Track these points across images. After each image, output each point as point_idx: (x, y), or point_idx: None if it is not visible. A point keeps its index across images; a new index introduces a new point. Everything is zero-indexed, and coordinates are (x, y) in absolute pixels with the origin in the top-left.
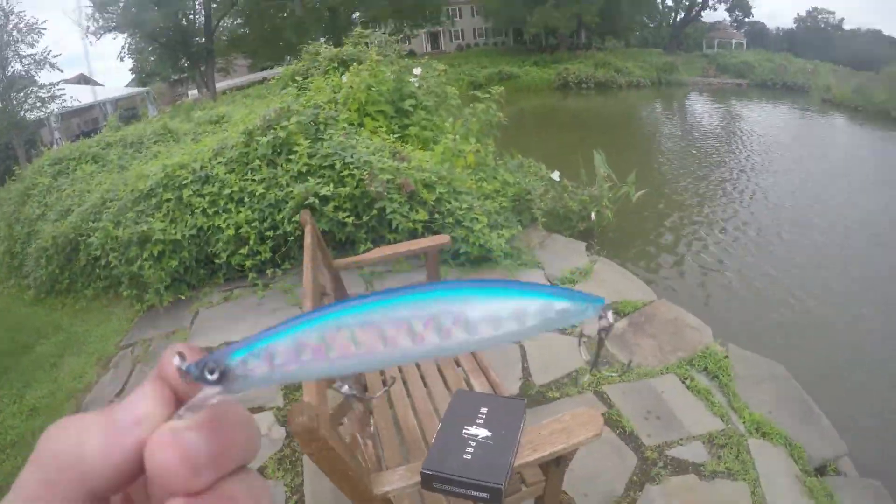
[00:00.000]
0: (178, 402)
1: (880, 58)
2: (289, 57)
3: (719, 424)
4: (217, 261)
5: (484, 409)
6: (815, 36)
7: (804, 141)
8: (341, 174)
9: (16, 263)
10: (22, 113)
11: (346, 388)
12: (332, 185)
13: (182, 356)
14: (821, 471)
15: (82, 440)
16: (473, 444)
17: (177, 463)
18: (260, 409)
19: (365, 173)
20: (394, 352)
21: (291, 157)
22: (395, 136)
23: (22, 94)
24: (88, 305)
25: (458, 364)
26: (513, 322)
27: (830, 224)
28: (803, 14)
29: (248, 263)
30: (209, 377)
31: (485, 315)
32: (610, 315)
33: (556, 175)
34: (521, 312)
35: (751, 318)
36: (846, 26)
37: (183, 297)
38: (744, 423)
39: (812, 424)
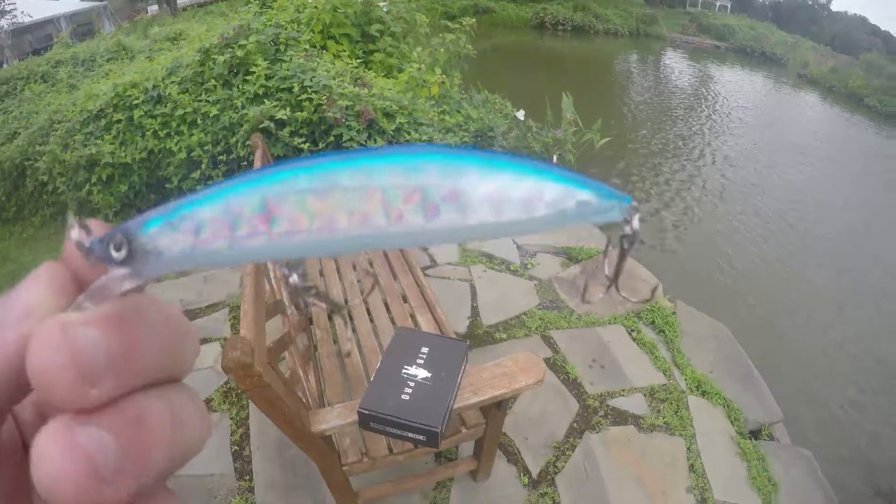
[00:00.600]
0: (81, 290)
1: (861, 43)
2: None
3: (661, 379)
4: (168, 186)
5: (425, 350)
6: (800, 11)
7: (770, 111)
8: (299, 98)
9: None
10: None
11: (294, 278)
12: (288, 108)
13: (86, 229)
14: (755, 434)
15: None
16: (413, 384)
17: (64, 366)
18: (207, 341)
19: (324, 98)
20: (360, 231)
21: (248, 77)
22: (359, 61)
23: None
24: (36, 234)
25: (405, 299)
26: (519, 208)
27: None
28: None
29: (200, 188)
30: (115, 255)
31: (487, 194)
32: (636, 220)
33: (521, 114)
34: (533, 197)
35: (700, 276)
36: (833, 7)
37: None
38: (685, 379)
39: (751, 388)
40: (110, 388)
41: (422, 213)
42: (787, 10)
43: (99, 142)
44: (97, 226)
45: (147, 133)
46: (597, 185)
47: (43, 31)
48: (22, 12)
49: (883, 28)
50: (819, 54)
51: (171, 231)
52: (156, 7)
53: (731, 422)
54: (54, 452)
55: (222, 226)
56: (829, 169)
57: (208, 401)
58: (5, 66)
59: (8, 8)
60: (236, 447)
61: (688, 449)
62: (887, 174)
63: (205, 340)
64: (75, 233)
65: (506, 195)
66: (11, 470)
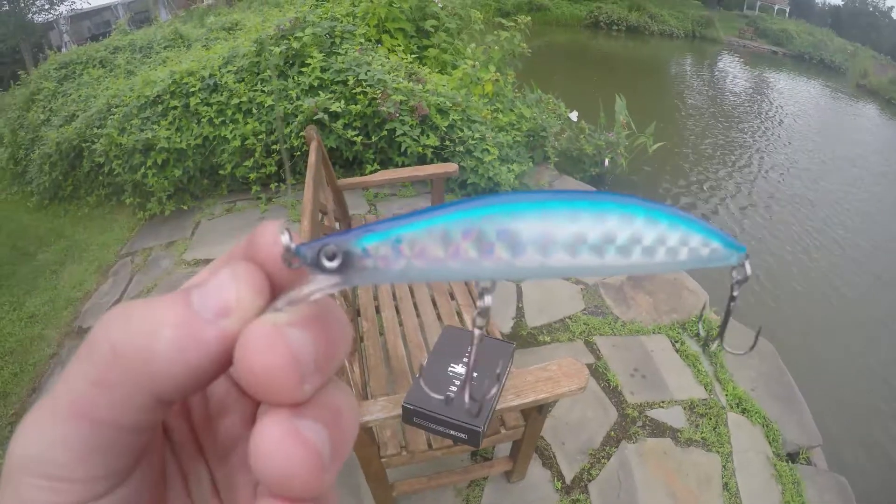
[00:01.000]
0: (273, 292)
1: None
2: None
3: (702, 393)
4: (221, 172)
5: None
6: (860, 18)
7: (825, 121)
8: (353, 91)
9: (19, 170)
10: (30, 15)
11: (486, 300)
12: (343, 101)
13: (290, 234)
14: (792, 457)
15: (151, 332)
16: (457, 382)
17: (283, 367)
18: None
19: (378, 92)
20: (541, 263)
21: (304, 69)
22: (413, 56)
23: None
24: (91, 213)
25: (452, 297)
26: (666, 253)
27: (830, 207)
28: None
29: (252, 176)
30: (328, 264)
31: (650, 242)
32: (748, 266)
33: (574, 115)
34: (680, 244)
35: (748, 291)
36: (894, 15)
37: (185, 208)
38: (726, 395)
39: (792, 409)
40: (315, 384)
41: (593, 253)
42: (847, 16)
43: (155, 127)
44: (292, 232)
45: (203, 120)
46: (719, 233)
47: (101, 18)
48: None
49: None
50: (879, 63)
51: (389, 249)
52: None
53: (770, 442)
54: (286, 447)
55: (433, 248)
56: (883, 185)
57: None
58: (64, 50)
59: None
60: None
61: (723, 466)
62: None
63: None
64: (286, 238)
65: (663, 242)
66: (159, 455)
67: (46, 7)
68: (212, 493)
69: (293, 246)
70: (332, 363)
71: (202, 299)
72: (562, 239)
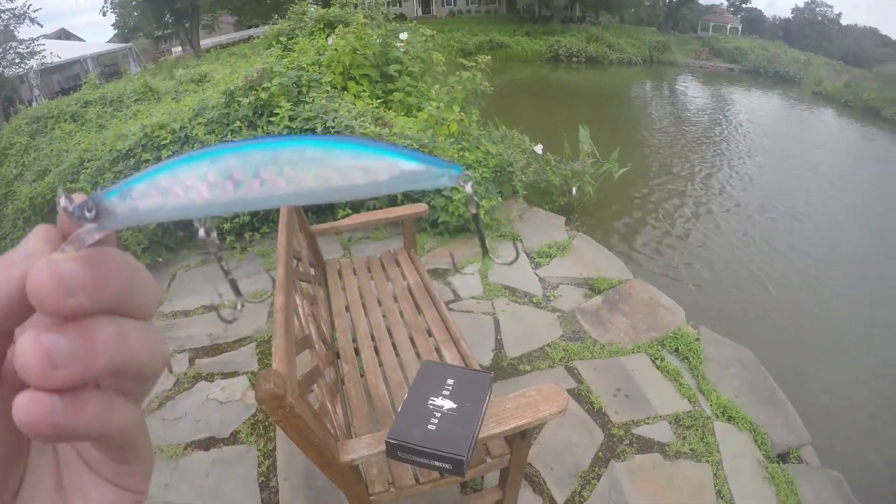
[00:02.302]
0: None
1: (874, 56)
2: (275, 15)
3: (686, 406)
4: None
5: (450, 381)
6: (811, 28)
7: (785, 130)
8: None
9: None
10: (0, 69)
11: (202, 232)
12: None
13: (70, 199)
14: (783, 458)
15: None
16: (438, 415)
17: (49, 282)
18: (235, 374)
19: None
20: (247, 196)
21: (273, 119)
22: (379, 101)
23: (0, 49)
24: None
25: (429, 333)
26: (362, 176)
27: (805, 213)
28: (801, 5)
29: (226, 226)
30: (87, 214)
31: (343, 166)
32: (469, 186)
33: (539, 148)
34: (377, 167)
35: (723, 301)
36: (843, 21)
37: (160, 260)
38: (710, 405)
39: (777, 411)
40: (83, 301)
41: (289, 182)
42: (798, 27)
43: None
44: (78, 197)
45: None
46: (431, 158)
47: (71, 71)
48: (51, 53)
49: (894, 37)
50: (833, 70)
51: (121, 197)
52: (179, 49)
53: (759, 446)
54: (25, 345)
55: (156, 194)
56: (848, 187)
57: (236, 433)
58: (35, 104)
59: (38, 49)
60: (263, 478)
61: (714, 475)
62: None
63: (232, 374)
64: (63, 201)
65: (356, 166)
66: (12, 386)
67: (17, 61)
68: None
69: (70, 206)
70: (99, 290)
71: (15, 251)
72: (266, 171)
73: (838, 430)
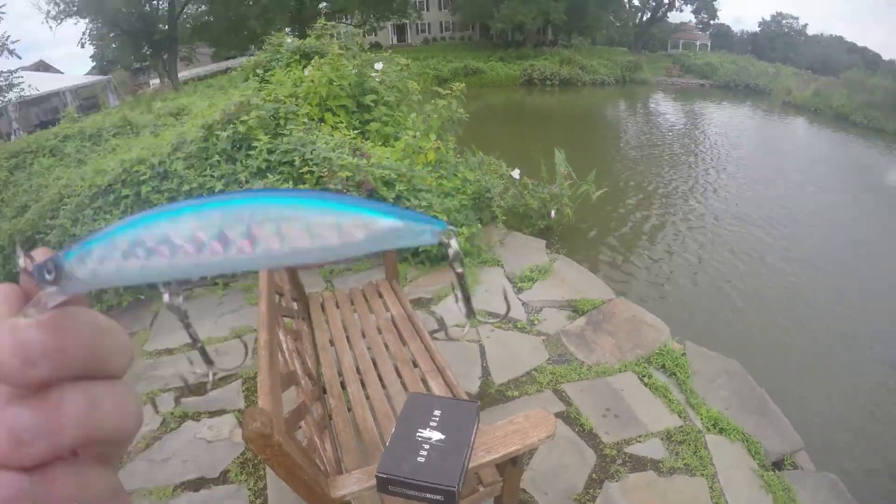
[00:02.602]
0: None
1: (841, 63)
2: (252, 47)
3: (677, 421)
4: None
5: (437, 412)
6: (778, 40)
7: (758, 141)
8: (301, 171)
9: None
10: None
11: (166, 297)
12: (291, 181)
13: (31, 258)
14: (778, 465)
15: None
16: (427, 446)
17: (13, 353)
18: (222, 412)
19: (325, 170)
20: (211, 259)
21: (251, 152)
22: (356, 131)
23: None
24: None
25: (415, 364)
26: (335, 236)
27: (786, 222)
28: (768, 18)
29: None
30: (47, 276)
31: (313, 226)
32: (454, 242)
33: (516, 173)
34: (352, 226)
35: (706, 314)
36: (810, 31)
37: (143, 297)
38: (701, 419)
39: (768, 420)
40: (47, 370)
41: (253, 245)
42: (766, 39)
43: (108, 216)
44: (41, 254)
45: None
46: (412, 214)
47: (49, 104)
48: (29, 86)
49: (860, 44)
50: (801, 79)
51: (80, 261)
52: (157, 80)
53: (752, 455)
54: None
55: (115, 256)
56: (825, 192)
57: (225, 472)
58: (14, 137)
59: (16, 81)
60: None
61: (710, 487)
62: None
63: (219, 412)
64: (22, 261)
65: (327, 224)
66: None
67: None
68: None
69: (29, 267)
70: (63, 357)
71: None
72: (230, 232)
73: (830, 434)
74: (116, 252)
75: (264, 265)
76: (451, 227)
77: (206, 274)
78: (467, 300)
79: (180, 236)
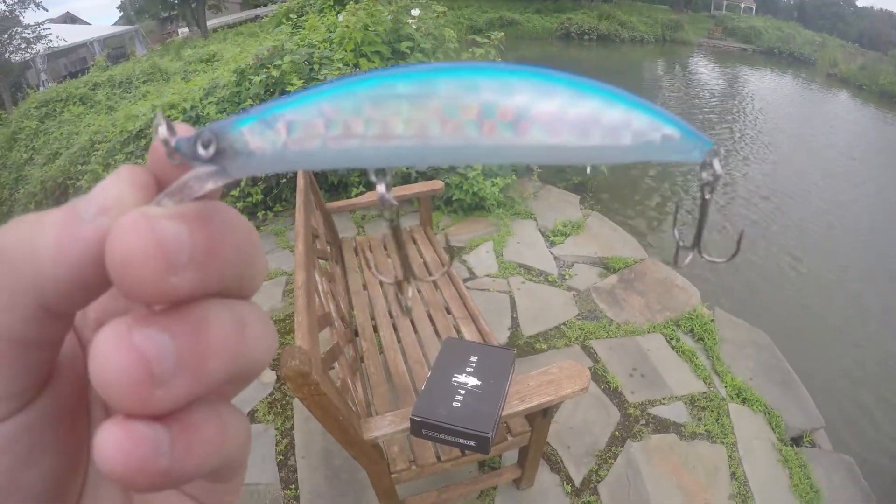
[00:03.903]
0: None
1: (890, 39)
2: None
3: (702, 387)
4: None
5: (474, 358)
6: (826, 9)
7: (800, 112)
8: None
9: (4, 210)
10: (7, 55)
11: (381, 188)
12: None
13: (171, 128)
14: (797, 441)
15: (35, 232)
16: (463, 392)
17: (150, 253)
18: None
19: None
20: (451, 140)
21: None
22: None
23: (6, 35)
24: None
25: (448, 311)
26: (606, 135)
27: (822, 194)
28: None
29: (239, 206)
30: (202, 152)
31: (578, 118)
32: (717, 163)
33: None
34: (620, 125)
35: (738, 282)
36: (859, 3)
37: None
38: (725, 387)
39: (792, 394)
40: (188, 279)
41: (512, 129)
42: (813, 8)
43: (140, 161)
44: (183, 129)
45: None
46: (681, 122)
47: (77, 55)
48: (57, 37)
49: None
50: (847, 52)
51: (264, 130)
52: (186, 29)
53: (773, 429)
54: (109, 350)
55: (317, 126)
56: (864, 170)
57: (253, 412)
58: (42, 88)
59: (43, 33)
60: (281, 457)
61: (729, 456)
62: None
63: None
64: (162, 129)
65: (595, 120)
66: (71, 385)
67: (23, 47)
68: None
69: (172, 139)
70: (213, 264)
71: (86, 201)
72: (466, 112)
73: (851, 416)
74: (321, 119)
75: (505, 157)
76: (717, 147)
77: (434, 162)
78: (700, 231)
79: (423, 108)
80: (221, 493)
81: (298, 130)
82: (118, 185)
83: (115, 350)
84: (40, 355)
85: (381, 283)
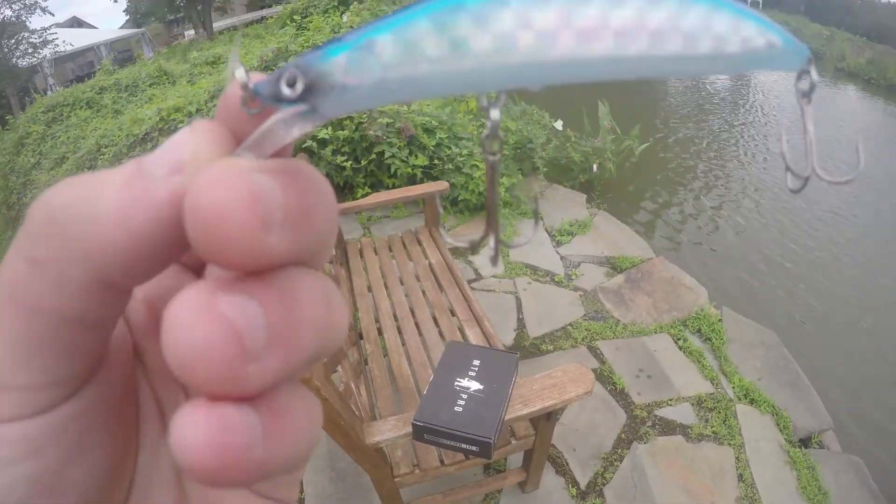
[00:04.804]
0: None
1: None
2: None
3: (709, 388)
4: None
5: (476, 362)
6: (834, 2)
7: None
8: (340, 117)
9: (12, 214)
10: (14, 60)
11: (495, 113)
12: (330, 127)
13: (247, 73)
14: (805, 442)
15: (93, 194)
16: (465, 396)
17: (243, 204)
18: None
19: (364, 116)
20: (566, 53)
21: None
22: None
23: (13, 40)
24: None
25: (452, 313)
26: (712, 43)
27: (823, 193)
28: None
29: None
30: (287, 92)
31: (689, 26)
32: (814, 72)
33: (559, 124)
34: (730, 31)
35: (746, 282)
36: None
37: None
38: (733, 388)
39: (800, 395)
40: (286, 243)
41: (614, 38)
42: (820, 1)
43: None
44: (257, 77)
45: None
46: (781, 29)
47: (84, 59)
48: (63, 41)
49: None
50: (856, 46)
51: (360, 58)
52: (192, 31)
53: (781, 430)
54: (192, 319)
55: (421, 49)
56: (878, 165)
57: None
58: (49, 93)
59: (50, 38)
60: None
61: (736, 458)
62: None
63: None
64: (241, 72)
65: (705, 28)
66: (121, 372)
67: (30, 51)
68: None
69: (250, 84)
70: (306, 225)
71: (155, 159)
72: (580, 23)
73: (861, 417)
74: (425, 42)
75: (608, 73)
76: (811, 56)
77: (542, 79)
78: (810, 148)
79: (546, 16)
80: (284, 486)
81: (401, 55)
82: (194, 139)
83: (198, 319)
84: (94, 336)
85: (386, 286)
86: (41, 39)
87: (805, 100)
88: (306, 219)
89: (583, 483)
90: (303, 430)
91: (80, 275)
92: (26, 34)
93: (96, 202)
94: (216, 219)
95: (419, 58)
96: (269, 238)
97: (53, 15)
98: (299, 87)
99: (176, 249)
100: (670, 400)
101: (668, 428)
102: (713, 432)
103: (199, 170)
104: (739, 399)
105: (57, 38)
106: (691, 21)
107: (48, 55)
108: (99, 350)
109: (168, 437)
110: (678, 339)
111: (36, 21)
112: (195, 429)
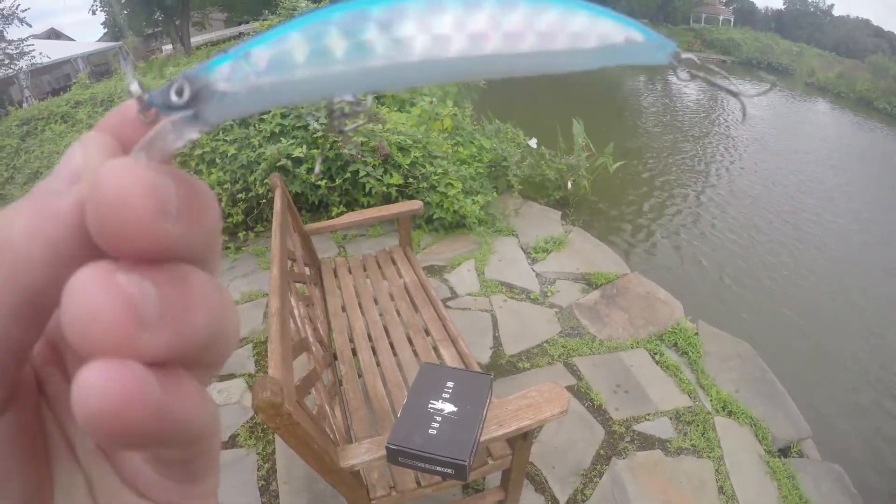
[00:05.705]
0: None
1: (866, 46)
2: (266, 11)
3: (687, 401)
4: None
5: (450, 384)
6: (803, 19)
7: (779, 122)
8: (315, 135)
9: None
10: None
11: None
12: (305, 146)
13: (142, 86)
14: (784, 452)
15: (6, 225)
16: (439, 419)
17: (143, 189)
18: (232, 376)
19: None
20: (422, 57)
21: (265, 116)
22: (371, 96)
23: None
24: None
25: (427, 333)
26: (568, 40)
27: (802, 205)
28: None
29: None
30: (175, 100)
31: (544, 25)
32: (686, 55)
33: (533, 142)
34: (585, 31)
35: (720, 294)
36: (836, 12)
37: None
38: (711, 400)
39: (777, 405)
40: (179, 233)
41: (482, 42)
42: (790, 18)
43: None
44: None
45: None
46: (644, 28)
47: (61, 72)
48: (40, 53)
49: (886, 28)
50: (825, 60)
51: (239, 68)
52: (170, 46)
53: (759, 440)
54: (91, 290)
55: (292, 58)
56: (844, 177)
57: (234, 436)
58: (25, 105)
59: (27, 49)
60: (263, 482)
61: (716, 470)
62: None
63: (229, 376)
64: (135, 87)
65: (561, 27)
66: (31, 403)
67: (6, 62)
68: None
69: (144, 95)
70: (197, 219)
71: (53, 176)
72: (436, 29)
73: (839, 423)
74: (295, 51)
75: (465, 71)
76: (678, 50)
77: (402, 82)
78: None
79: (403, 27)
80: (192, 497)
81: (274, 64)
82: (84, 150)
83: (96, 289)
84: (13, 361)
85: (360, 305)
86: (18, 51)
87: (688, 76)
88: (196, 215)
89: (562, 500)
90: (196, 403)
91: (7, 298)
92: (3, 45)
93: (10, 228)
94: (119, 202)
95: (289, 67)
96: (165, 223)
97: (31, 26)
98: (186, 94)
99: (87, 253)
100: (648, 415)
101: (647, 443)
102: (692, 445)
103: (95, 173)
104: (717, 411)
105: (34, 50)
106: (547, 20)
107: (24, 67)
108: (15, 378)
109: (71, 397)
110: (655, 354)
111: (13, 32)
112: (96, 376)
